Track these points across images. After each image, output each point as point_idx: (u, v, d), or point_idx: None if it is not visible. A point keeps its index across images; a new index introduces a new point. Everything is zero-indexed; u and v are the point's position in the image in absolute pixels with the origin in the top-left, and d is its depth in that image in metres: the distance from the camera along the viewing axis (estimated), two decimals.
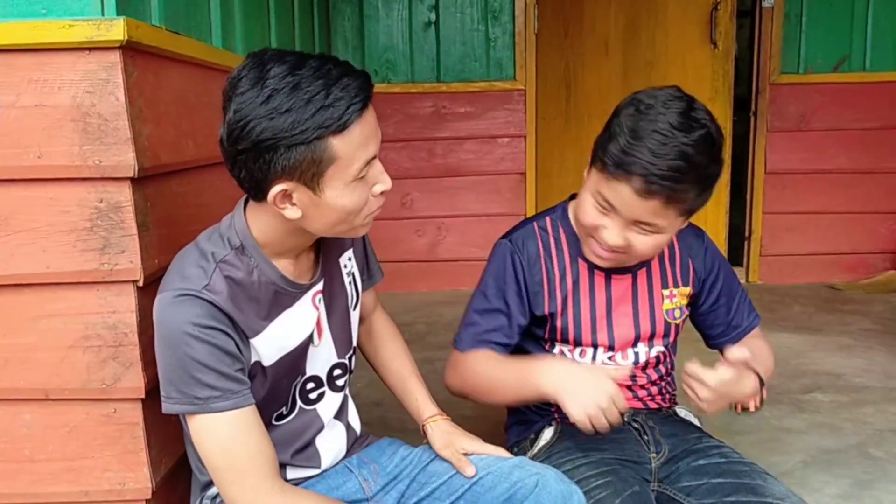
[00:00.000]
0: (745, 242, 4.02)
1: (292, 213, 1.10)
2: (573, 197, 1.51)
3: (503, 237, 1.51)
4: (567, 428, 1.46)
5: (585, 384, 1.26)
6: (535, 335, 1.50)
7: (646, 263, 1.47)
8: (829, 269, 3.98)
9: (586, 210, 1.33)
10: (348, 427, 1.37)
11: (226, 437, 1.10)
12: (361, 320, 1.50)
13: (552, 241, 1.47)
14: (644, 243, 1.30)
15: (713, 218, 3.22)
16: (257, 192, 1.10)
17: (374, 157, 1.11)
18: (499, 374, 1.41)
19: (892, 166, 3.88)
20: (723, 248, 3.28)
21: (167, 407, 1.12)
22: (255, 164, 1.05)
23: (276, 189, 1.07)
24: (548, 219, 1.50)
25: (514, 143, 3.91)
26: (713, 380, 1.29)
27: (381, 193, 1.15)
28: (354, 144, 1.06)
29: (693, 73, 3.17)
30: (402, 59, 3.84)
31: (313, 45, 3.24)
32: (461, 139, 3.90)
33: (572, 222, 1.47)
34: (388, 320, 1.53)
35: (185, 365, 1.08)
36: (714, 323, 1.54)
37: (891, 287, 3.79)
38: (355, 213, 1.13)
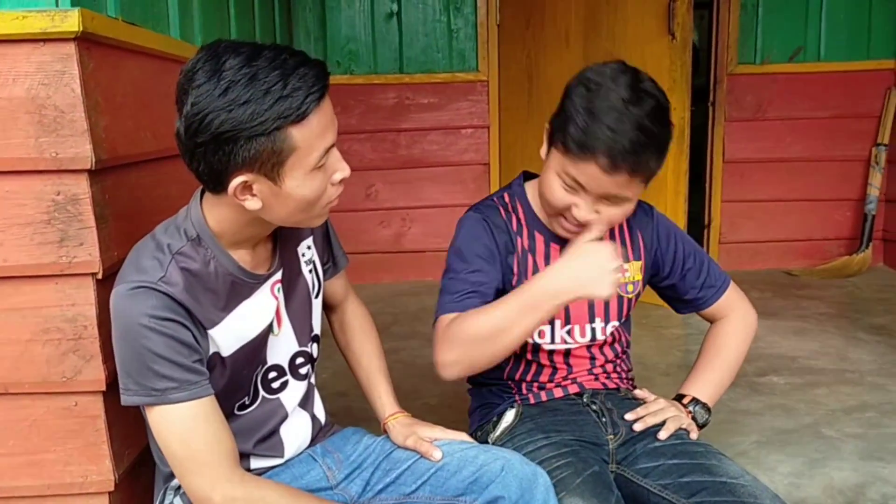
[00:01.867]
0: (705, 230, 4.10)
1: (253, 204, 1.10)
2: (525, 173, 1.55)
3: (469, 210, 1.52)
4: (528, 410, 1.49)
5: (591, 265, 1.24)
6: None
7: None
8: (786, 256, 4.07)
9: (554, 190, 1.35)
10: (313, 417, 1.38)
11: (184, 429, 1.11)
12: (332, 308, 1.51)
13: (512, 214, 1.50)
14: (614, 214, 1.35)
15: (672, 206, 3.27)
16: (216, 185, 1.10)
17: (332, 146, 1.12)
18: (499, 313, 1.29)
19: (846, 154, 3.97)
20: None
21: (125, 399, 1.12)
22: (214, 157, 1.05)
23: (237, 181, 1.07)
24: (505, 194, 1.53)
25: (478, 134, 3.94)
26: (652, 400, 1.50)
27: (340, 181, 1.16)
28: (314, 134, 1.07)
29: (652, 64, 3.20)
30: (364, 50, 3.84)
31: (274, 36, 3.22)
32: (425, 130, 3.91)
33: (534, 202, 1.49)
34: (361, 311, 1.53)
35: (142, 357, 1.08)
36: (688, 288, 1.56)
37: (845, 272, 3.89)
38: (315, 202, 1.14)
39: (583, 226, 1.35)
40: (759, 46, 3.90)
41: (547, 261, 1.48)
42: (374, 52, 3.84)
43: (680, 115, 3.19)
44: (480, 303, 1.35)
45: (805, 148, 3.97)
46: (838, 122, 3.94)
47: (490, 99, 3.88)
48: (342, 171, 1.15)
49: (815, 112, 3.93)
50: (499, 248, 1.45)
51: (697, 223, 4.09)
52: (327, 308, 1.51)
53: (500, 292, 1.41)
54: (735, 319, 1.58)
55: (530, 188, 1.52)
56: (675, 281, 1.56)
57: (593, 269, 1.24)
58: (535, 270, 1.47)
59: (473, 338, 1.29)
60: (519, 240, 1.48)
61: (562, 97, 1.35)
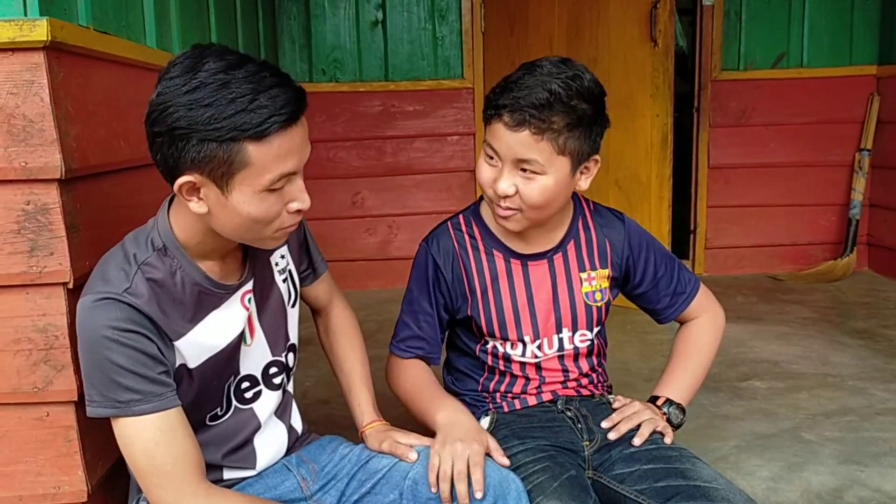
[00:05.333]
0: (691, 236, 4.11)
1: (197, 207, 1.09)
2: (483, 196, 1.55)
3: (424, 239, 1.55)
4: (502, 417, 1.49)
5: (461, 433, 1.30)
6: (471, 331, 1.53)
7: (561, 248, 1.50)
8: (771, 261, 4.09)
9: (479, 167, 1.39)
10: (290, 427, 1.38)
11: (149, 441, 1.10)
12: (317, 312, 1.52)
13: (466, 237, 1.51)
14: (531, 189, 1.34)
15: (656, 212, 3.28)
16: (170, 178, 1.10)
17: (293, 173, 1.10)
18: (416, 396, 1.48)
19: (830, 159, 3.99)
20: (667, 241, 3.34)
21: (90, 410, 1.12)
22: (168, 150, 1.06)
23: (184, 179, 1.07)
24: (461, 217, 1.54)
25: (464, 141, 3.94)
26: (624, 405, 1.48)
27: (297, 211, 1.15)
28: (272, 156, 1.06)
29: (634, 71, 3.22)
30: (349, 58, 3.84)
31: (258, 44, 3.22)
32: (410, 137, 3.91)
33: (490, 221, 1.50)
34: (346, 316, 1.53)
35: (106, 369, 1.08)
36: (660, 296, 1.56)
37: (830, 276, 3.90)
38: (263, 224, 1.12)
39: (510, 207, 1.37)
40: (742, 53, 3.93)
41: (510, 278, 1.49)
42: (359, 60, 3.85)
43: (663, 121, 3.21)
44: (424, 347, 1.52)
45: (789, 153, 3.98)
46: (822, 127, 3.96)
47: (475, 106, 3.88)
48: (301, 202, 1.14)
49: (798, 118, 3.95)
50: (446, 280, 1.50)
51: (683, 228, 4.10)
52: (313, 312, 1.52)
53: (454, 309, 1.53)
54: (705, 320, 1.60)
55: (486, 208, 1.52)
56: (647, 289, 1.56)
57: (456, 436, 1.30)
58: (496, 290, 1.49)
59: (402, 396, 1.52)
60: (473, 263, 1.50)
61: None
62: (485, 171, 1.38)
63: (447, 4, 3.84)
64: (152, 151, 1.09)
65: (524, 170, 1.33)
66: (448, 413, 1.37)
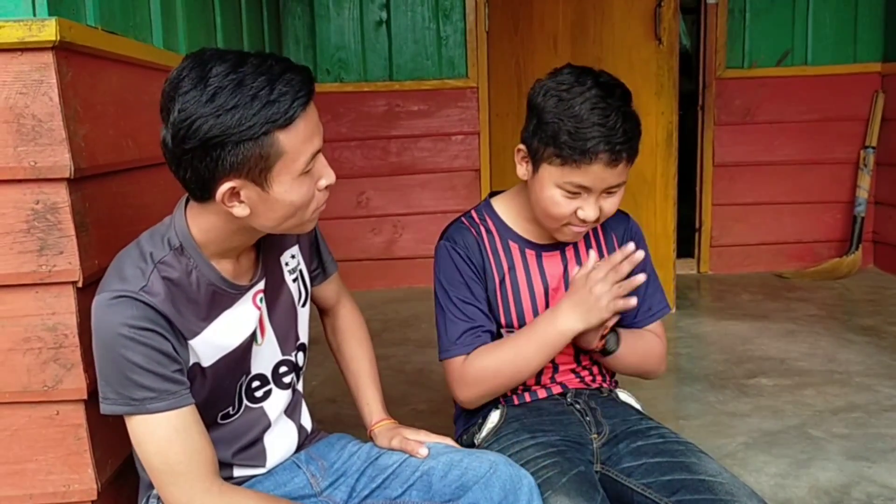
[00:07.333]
0: (696, 234, 4.11)
1: (241, 210, 1.10)
2: (493, 194, 1.58)
3: (440, 239, 1.54)
4: (512, 410, 1.50)
5: (586, 297, 1.39)
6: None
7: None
8: (776, 258, 4.09)
9: (558, 202, 1.38)
10: (300, 426, 1.38)
11: (163, 438, 1.10)
12: (325, 312, 1.52)
13: (482, 229, 1.52)
14: (612, 204, 1.40)
15: (661, 210, 3.28)
16: (204, 192, 1.09)
17: (318, 151, 1.12)
18: (516, 351, 1.45)
19: (834, 157, 3.99)
20: (673, 239, 3.34)
21: (104, 408, 1.12)
22: (201, 163, 1.05)
23: (225, 187, 1.07)
24: (473, 212, 1.56)
25: (468, 141, 3.95)
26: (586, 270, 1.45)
27: (326, 187, 1.16)
28: (300, 138, 1.07)
29: (639, 69, 3.22)
30: (354, 58, 3.85)
31: (263, 45, 3.23)
32: (415, 137, 3.92)
33: (506, 214, 1.52)
34: (354, 316, 1.54)
35: (121, 366, 1.08)
36: (646, 294, 1.54)
37: (836, 274, 3.90)
38: (304, 208, 1.14)
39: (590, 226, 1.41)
40: (746, 51, 3.93)
41: (526, 268, 1.50)
42: (363, 60, 3.86)
43: (668, 119, 3.21)
44: (482, 335, 1.47)
45: (794, 151, 3.99)
46: (826, 125, 3.96)
47: (480, 105, 3.89)
48: (328, 177, 1.15)
49: (803, 115, 3.95)
50: (476, 267, 1.50)
51: (688, 227, 4.10)
52: (320, 311, 1.52)
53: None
54: (660, 341, 1.58)
55: (500, 203, 1.55)
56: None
57: (589, 300, 1.39)
58: (514, 279, 1.50)
59: (493, 377, 1.45)
60: (491, 254, 1.50)
61: (533, 115, 1.39)
62: (565, 206, 1.38)
63: (451, 4, 3.85)
64: (181, 170, 1.08)
65: (609, 190, 1.38)
66: (564, 319, 1.41)
